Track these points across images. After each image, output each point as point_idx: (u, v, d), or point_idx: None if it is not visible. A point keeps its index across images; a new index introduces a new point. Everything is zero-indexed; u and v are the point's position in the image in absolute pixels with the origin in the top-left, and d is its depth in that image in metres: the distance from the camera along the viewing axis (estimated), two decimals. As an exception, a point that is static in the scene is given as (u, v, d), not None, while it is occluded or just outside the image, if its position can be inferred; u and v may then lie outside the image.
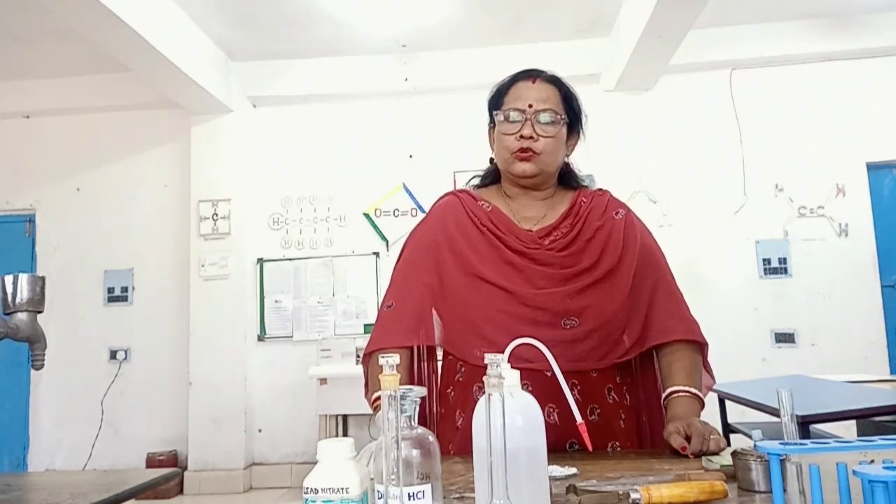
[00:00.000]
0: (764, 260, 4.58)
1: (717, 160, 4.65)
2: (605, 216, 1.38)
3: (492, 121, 1.40)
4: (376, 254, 4.76)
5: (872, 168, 4.60)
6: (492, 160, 1.46)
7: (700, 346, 1.36)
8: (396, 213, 4.78)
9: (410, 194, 4.79)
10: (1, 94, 4.91)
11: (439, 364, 1.43)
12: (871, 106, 4.60)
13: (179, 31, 4.00)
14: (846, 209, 4.56)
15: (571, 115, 1.37)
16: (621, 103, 4.65)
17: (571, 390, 1.21)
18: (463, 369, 1.33)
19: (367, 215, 4.82)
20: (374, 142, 4.86)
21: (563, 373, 1.03)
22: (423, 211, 4.73)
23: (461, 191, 1.47)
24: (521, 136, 1.31)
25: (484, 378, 0.69)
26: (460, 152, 4.66)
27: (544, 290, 1.28)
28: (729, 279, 4.56)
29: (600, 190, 1.46)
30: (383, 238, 4.77)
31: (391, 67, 4.75)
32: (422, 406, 1.39)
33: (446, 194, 1.48)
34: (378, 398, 1.22)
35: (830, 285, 4.49)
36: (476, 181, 1.51)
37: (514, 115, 1.32)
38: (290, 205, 4.87)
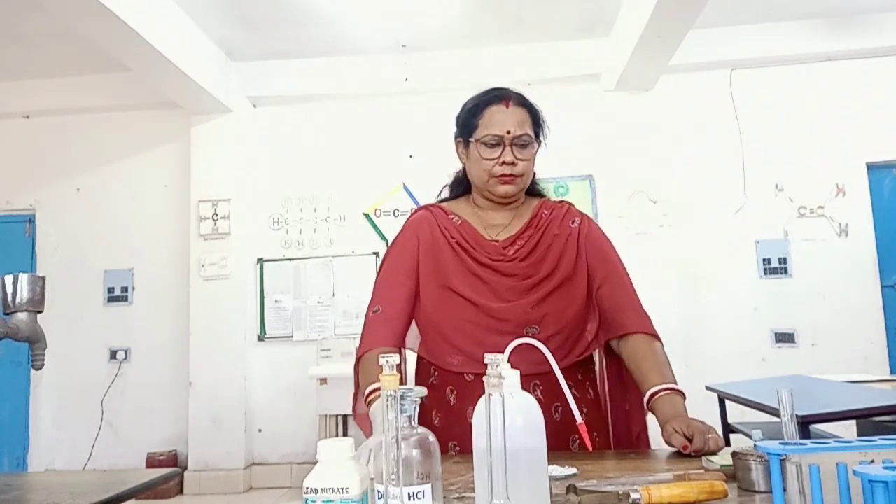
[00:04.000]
0: (764, 260, 4.58)
1: (717, 160, 4.65)
2: (563, 225, 1.48)
3: (461, 137, 1.47)
4: (376, 254, 4.76)
5: (872, 168, 4.60)
6: (461, 171, 1.54)
7: (657, 340, 1.41)
8: (396, 213, 4.78)
9: (410, 194, 4.79)
10: (1, 94, 4.91)
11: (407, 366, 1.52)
12: (871, 106, 4.60)
13: (179, 31, 4.00)
14: (846, 209, 4.56)
15: (538, 132, 1.45)
16: (621, 103, 4.64)
17: (534, 391, 1.30)
18: (436, 373, 1.41)
19: (367, 215, 4.82)
20: (374, 142, 4.86)
21: (526, 375, 1.09)
22: (423, 211, 4.74)
23: (432, 205, 1.56)
24: (504, 163, 1.38)
25: (484, 378, 0.69)
26: (460, 152, 4.66)
27: (509, 302, 1.38)
28: (729, 279, 4.56)
29: (562, 202, 1.55)
30: (383, 238, 4.77)
31: (391, 67, 4.75)
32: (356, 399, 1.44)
33: (419, 208, 1.57)
34: (372, 392, 1.28)
35: (830, 285, 4.49)
36: (446, 192, 1.60)
37: (493, 141, 1.39)
38: (290, 205, 4.86)
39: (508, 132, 1.38)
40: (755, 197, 4.61)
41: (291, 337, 4.72)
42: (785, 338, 4.50)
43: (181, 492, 4.45)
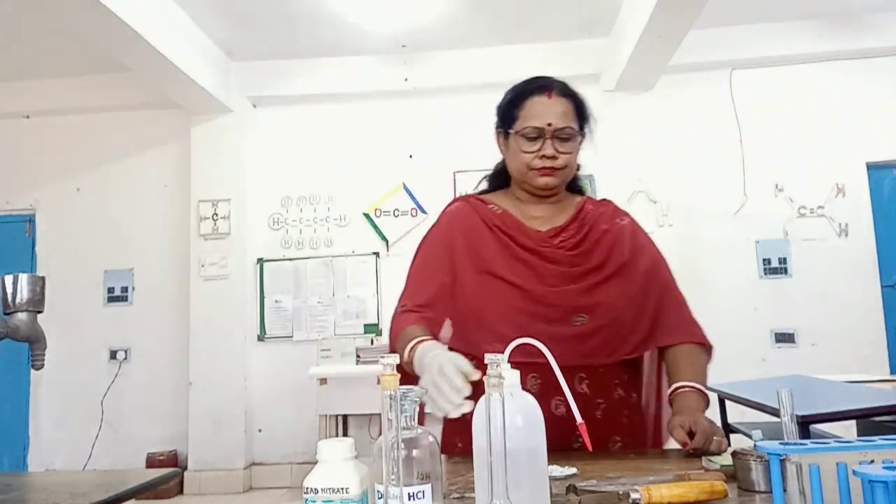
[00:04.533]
0: (764, 260, 4.58)
1: (717, 160, 4.65)
2: (612, 221, 1.43)
3: (501, 128, 1.41)
4: (376, 254, 4.76)
5: (872, 168, 4.60)
6: (503, 163, 1.47)
7: (704, 348, 1.38)
8: (396, 213, 4.78)
9: (410, 194, 4.79)
10: (1, 94, 4.91)
11: None
12: (871, 106, 4.60)
13: (179, 31, 4.00)
14: (846, 209, 4.56)
15: (583, 123, 1.38)
16: (621, 103, 4.64)
17: (580, 383, 1.26)
18: (473, 364, 1.33)
19: (367, 215, 4.82)
20: (374, 142, 4.86)
21: (573, 367, 1.08)
22: (424, 211, 4.74)
23: (470, 196, 1.49)
24: (544, 156, 1.32)
25: (484, 378, 0.69)
26: (460, 152, 4.67)
27: (556, 287, 1.31)
28: (729, 279, 4.55)
29: (605, 200, 1.51)
30: (383, 238, 4.77)
31: (391, 67, 4.76)
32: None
33: (456, 200, 1.50)
34: (416, 344, 1.18)
35: (830, 285, 4.49)
36: (484, 184, 1.53)
37: (532, 134, 1.33)
38: (290, 205, 4.86)
39: (549, 124, 1.31)
40: (755, 197, 4.61)
41: (291, 337, 4.72)
42: (785, 338, 4.50)
43: (181, 492, 4.45)
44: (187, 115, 4.74)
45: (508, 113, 1.38)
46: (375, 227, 4.80)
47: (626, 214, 1.47)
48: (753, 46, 4.58)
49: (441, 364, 1.00)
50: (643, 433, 1.39)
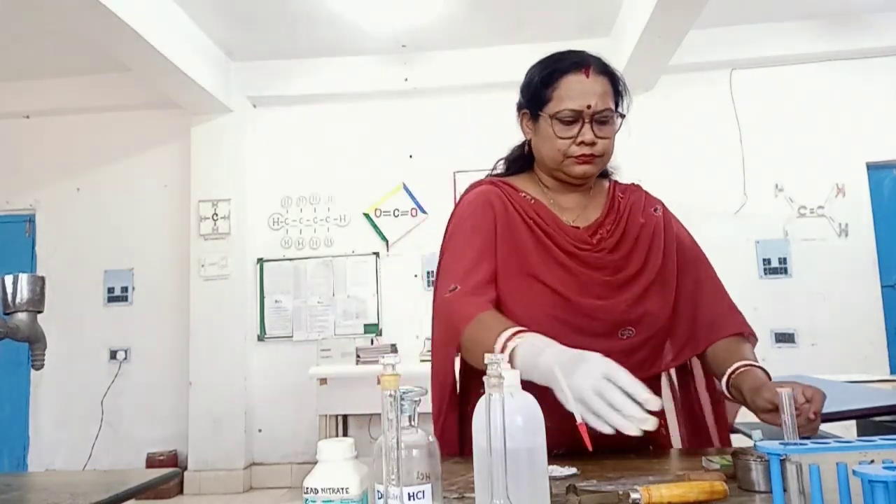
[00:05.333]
0: (764, 260, 4.58)
1: (717, 160, 4.65)
2: (646, 213, 1.32)
3: (528, 109, 1.28)
4: (376, 254, 4.76)
5: (872, 168, 4.60)
6: (524, 145, 1.34)
7: (749, 339, 1.28)
8: (396, 213, 4.78)
9: (410, 194, 4.79)
10: (1, 94, 4.91)
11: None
12: (871, 106, 4.60)
13: (179, 31, 4.00)
14: (846, 209, 4.56)
15: (618, 102, 1.25)
16: (621, 103, 4.64)
17: None
18: None
19: (367, 215, 4.82)
20: (374, 142, 4.86)
21: None
22: (424, 211, 4.73)
23: (496, 179, 1.33)
24: (581, 142, 1.20)
25: (484, 378, 0.69)
26: (460, 152, 4.66)
27: (603, 300, 1.20)
28: (729, 279, 4.49)
29: (634, 185, 1.40)
30: (383, 238, 4.77)
31: (391, 67, 4.76)
32: (449, 406, 1.28)
33: (481, 182, 1.33)
34: (513, 335, 1.02)
35: (830, 285, 4.49)
36: (501, 166, 1.38)
37: (569, 118, 1.19)
38: (290, 205, 4.87)
39: (589, 107, 1.18)
40: (755, 197, 4.61)
41: (291, 337, 4.72)
42: (785, 338, 4.50)
43: (181, 492, 4.45)
44: (187, 115, 4.74)
45: (539, 92, 1.23)
46: (375, 227, 4.80)
47: (659, 202, 1.38)
48: (753, 46, 4.58)
49: (605, 370, 0.88)
50: (682, 443, 1.33)
